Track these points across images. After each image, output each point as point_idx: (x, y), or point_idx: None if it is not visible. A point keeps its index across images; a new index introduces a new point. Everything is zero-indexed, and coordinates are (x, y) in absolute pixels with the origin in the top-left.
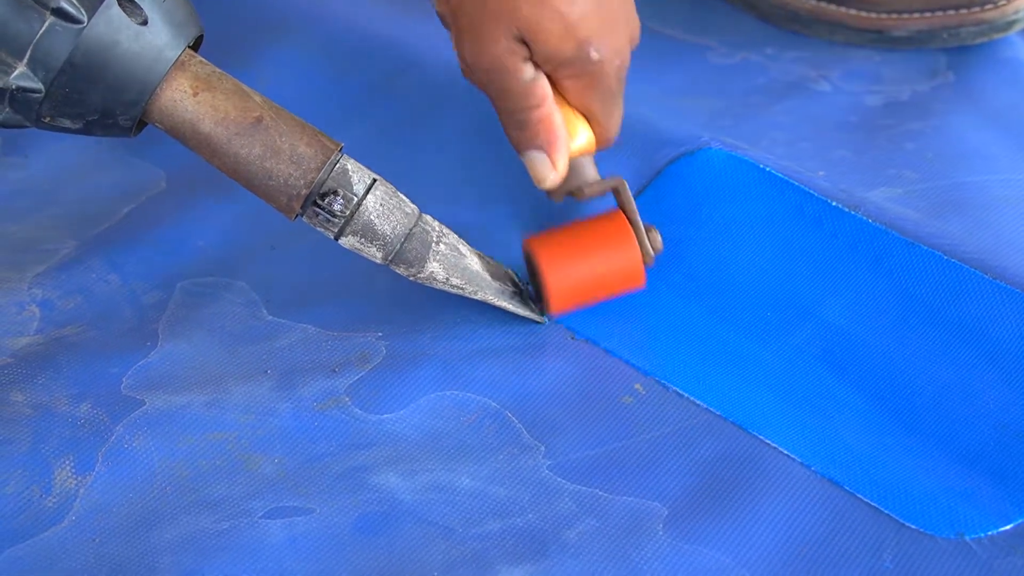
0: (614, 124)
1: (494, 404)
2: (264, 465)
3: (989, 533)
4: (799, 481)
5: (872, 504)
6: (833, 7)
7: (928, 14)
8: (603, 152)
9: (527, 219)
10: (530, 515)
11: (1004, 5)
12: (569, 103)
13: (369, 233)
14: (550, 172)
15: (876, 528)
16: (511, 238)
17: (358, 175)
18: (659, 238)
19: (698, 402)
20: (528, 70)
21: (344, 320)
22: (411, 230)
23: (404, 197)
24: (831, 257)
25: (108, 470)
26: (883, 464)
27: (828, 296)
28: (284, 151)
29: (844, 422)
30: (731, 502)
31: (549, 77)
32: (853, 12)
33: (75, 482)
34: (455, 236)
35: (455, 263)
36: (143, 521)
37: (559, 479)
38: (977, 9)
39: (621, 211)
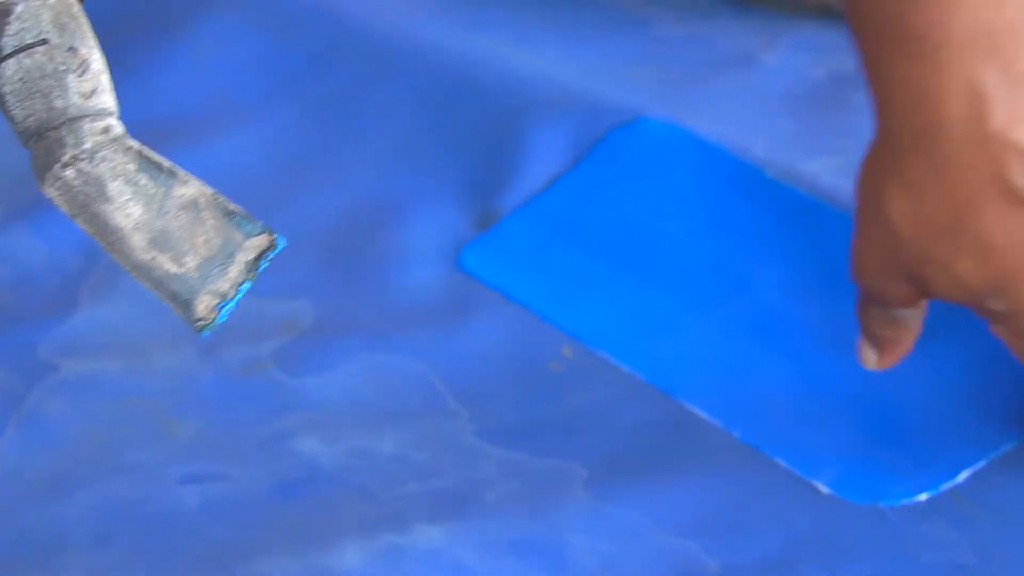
0: None
1: (421, 368)
2: (183, 430)
3: (903, 502)
4: (721, 447)
5: (791, 470)
6: None
7: None
8: (537, 121)
9: (469, 192)
10: (451, 478)
11: None
12: None
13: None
14: None
15: (795, 493)
16: (452, 212)
17: (28, 24)
18: None
19: (625, 368)
20: None
21: (273, 286)
22: (45, 130)
23: (87, 85)
24: (764, 228)
25: (19, 436)
26: (805, 432)
27: (760, 267)
28: None
29: (769, 391)
30: (652, 466)
31: None
32: None
33: None
34: (155, 169)
35: (83, 202)
36: (54, 487)
37: (483, 443)
38: None
39: None
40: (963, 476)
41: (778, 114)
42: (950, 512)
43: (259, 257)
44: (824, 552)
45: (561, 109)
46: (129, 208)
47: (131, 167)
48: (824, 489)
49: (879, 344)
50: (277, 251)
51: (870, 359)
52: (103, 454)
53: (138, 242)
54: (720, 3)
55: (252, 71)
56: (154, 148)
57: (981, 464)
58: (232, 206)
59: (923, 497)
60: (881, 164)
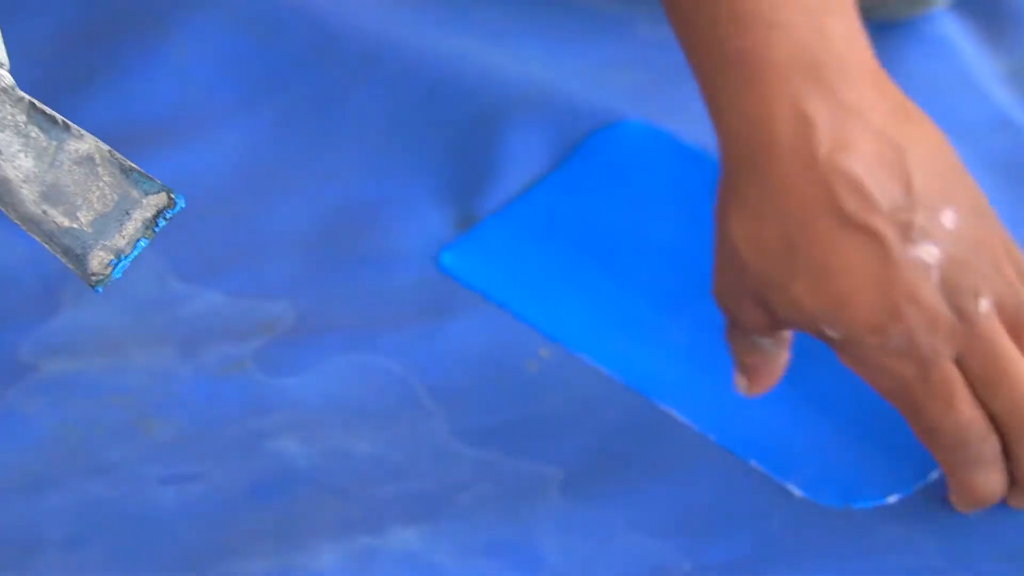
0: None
1: (398, 368)
2: (161, 430)
3: (875, 504)
4: (696, 449)
5: (765, 472)
6: None
7: None
8: (517, 122)
9: (449, 193)
10: (427, 479)
11: None
12: None
13: None
14: None
15: (767, 495)
16: (432, 213)
17: None
18: None
19: (602, 370)
20: None
21: (255, 287)
22: None
23: None
24: None
25: None
26: (779, 435)
27: None
28: None
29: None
30: (627, 467)
31: None
32: None
33: None
34: (46, 124)
35: None
36: (31, 486)
37: (459, 444)
38: None
39: None
40: (934, 476)
41: None
42: (920, 513)
43: (157, 215)
44: (794, 554)
45: (541, 111)
46: (19, 160)
47: (21, 118)
48: (797, 492)
49: (747, 371)
50: (176, 210)
51: (741, 385)
52: (80, 454)
53: (28, 195)
54: None
55: (231, 73)
56: (133, 149)
57: None
58: (129, 163)
59: (894, 499)
60: (725, 188)
